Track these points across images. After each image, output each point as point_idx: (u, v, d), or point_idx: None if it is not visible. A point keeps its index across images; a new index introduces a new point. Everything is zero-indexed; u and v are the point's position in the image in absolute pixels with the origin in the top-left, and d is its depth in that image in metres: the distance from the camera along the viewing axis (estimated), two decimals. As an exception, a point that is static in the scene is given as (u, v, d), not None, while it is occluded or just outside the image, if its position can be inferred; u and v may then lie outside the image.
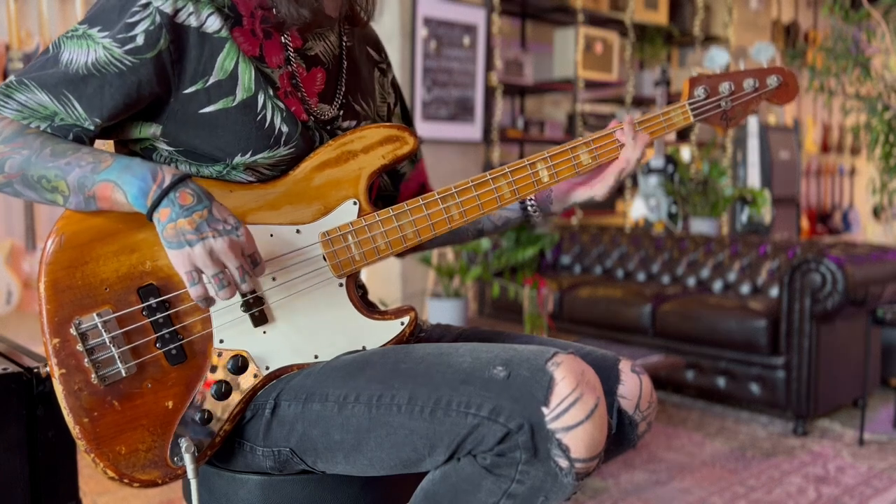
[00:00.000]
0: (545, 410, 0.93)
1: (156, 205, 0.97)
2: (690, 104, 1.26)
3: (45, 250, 1.02)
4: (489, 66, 4.65)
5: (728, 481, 2.68)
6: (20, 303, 3.32)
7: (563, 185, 1.28)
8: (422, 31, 4.31)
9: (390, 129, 1.15)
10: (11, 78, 1.03)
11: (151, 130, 1.08)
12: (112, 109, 1.03)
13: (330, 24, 1.18)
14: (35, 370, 1.22)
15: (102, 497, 2.47)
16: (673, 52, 6.45)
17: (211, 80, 1.04)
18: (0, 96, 1.03)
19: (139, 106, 1.05)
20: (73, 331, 1.01)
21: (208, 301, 1.00)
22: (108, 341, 1.01)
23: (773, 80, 1.29)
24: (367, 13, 1.24)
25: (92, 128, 1.03)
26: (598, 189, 1.26)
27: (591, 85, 5.36)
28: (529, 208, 1.30)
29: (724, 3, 6.25)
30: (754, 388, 3.32)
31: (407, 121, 1.38)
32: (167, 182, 0.97)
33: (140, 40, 1.00)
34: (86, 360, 1.01)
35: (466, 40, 4.52)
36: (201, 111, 1.05)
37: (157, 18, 1.00)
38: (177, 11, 1.01)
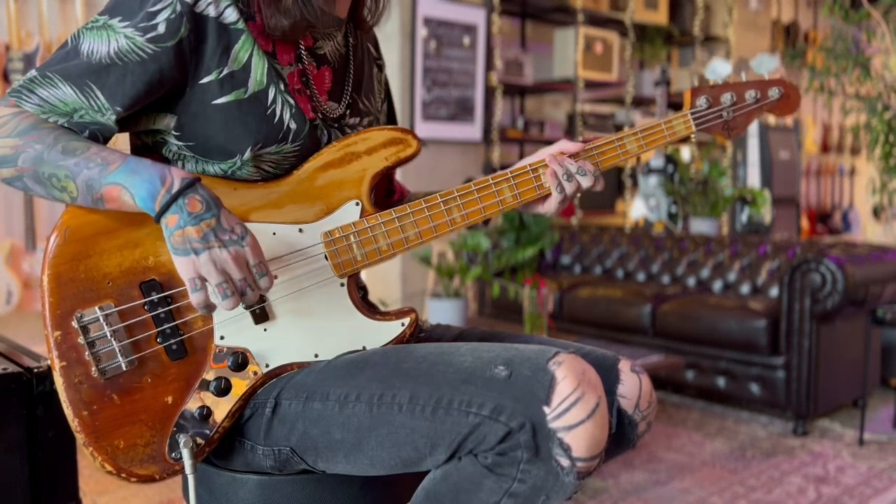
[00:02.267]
0: (547, 409, 0.93)
1: (164, 210, 0.97)
2: (692, 114, 1.26)
3: (49, 243, 1.02)
4: (489, 66, 4.65)
5: (728, 481, 2.68)
6: (20, 303, 3.32)
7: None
8: (422, 31, 4.31)
9: (394, 131, 1.16)
10: (33, 72, 1.04)
11: (166, 122, 1.09)
12: (133, 98, 1.03)
13: (338, 24, 1.19)
14: (35, 370, 1.22)
15: (102, 497, 2.47)
16: (673, 52, 6.46)
17: (225, 71, 1.06)
18: (24, 91, 1.03)
19: (158, 93, 1.06)
20: (74, 323, 1.01)
21: (209, 308, 1.00)
22: (109, 335, 1.02)
23: (774, 92, 1.30)
24: (373, 16, 1.24)
25: (113, 117, 1.04)
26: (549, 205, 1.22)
27: (591, 85, 5.36)
28: None
29: (724, 3, 6.25)
30: (754, 388, 3.32)
31: (392, 120, 1.40)
32: (176, 187, 0.97)
33: (162, 28, 1.02)
34: (87, 353, 1.01)
35: (466, 40, 4.52)
36: (214, 102, 1.06)
37: (178, 7, 1.02)
38: (196, 1, 1.03)
